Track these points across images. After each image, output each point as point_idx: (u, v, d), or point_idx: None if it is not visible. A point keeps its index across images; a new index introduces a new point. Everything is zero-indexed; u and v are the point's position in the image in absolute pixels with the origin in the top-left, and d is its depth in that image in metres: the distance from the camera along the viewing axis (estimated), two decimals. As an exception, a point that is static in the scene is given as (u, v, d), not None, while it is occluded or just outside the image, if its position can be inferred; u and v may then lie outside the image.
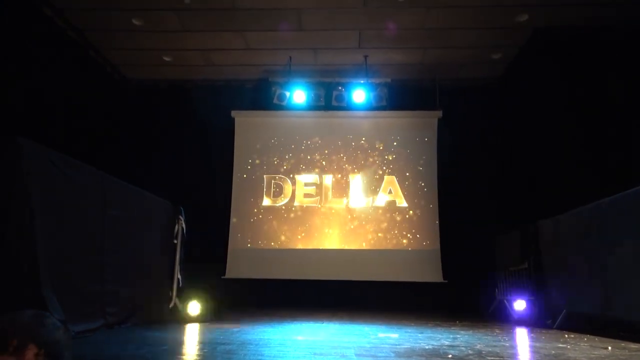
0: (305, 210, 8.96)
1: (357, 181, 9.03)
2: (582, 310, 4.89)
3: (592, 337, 4.34)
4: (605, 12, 6.79)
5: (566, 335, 4.52)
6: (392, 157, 9.09)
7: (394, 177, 9.02)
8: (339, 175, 9.07)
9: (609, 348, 3.61)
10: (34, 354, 1.30)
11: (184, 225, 6.03)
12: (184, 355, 3.19)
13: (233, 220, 8.93)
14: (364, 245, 8.76)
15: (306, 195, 9.02)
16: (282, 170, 9.14)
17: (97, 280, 4.33)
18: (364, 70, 8.48)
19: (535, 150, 7.59)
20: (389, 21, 7.27)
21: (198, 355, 3.18)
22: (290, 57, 8.34)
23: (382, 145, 9.16)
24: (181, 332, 4.57)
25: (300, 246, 8.81)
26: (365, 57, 8.27)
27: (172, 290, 5.77)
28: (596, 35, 7.07)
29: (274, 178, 9.12)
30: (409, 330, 4.81)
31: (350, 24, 7.36)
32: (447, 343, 3.84)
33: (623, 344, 3.85)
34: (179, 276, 5.95)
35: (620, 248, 4.27)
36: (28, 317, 1.33)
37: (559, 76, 7.19)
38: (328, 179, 9.06)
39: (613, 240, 4.39)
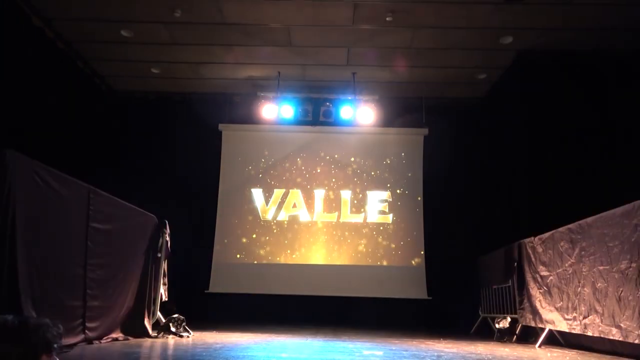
0: (290, 225, 8.93)
1: (342, 197, 9.05)
2: (564, 328, 4.93)
3: (574, 355, 4.38)
4: (587, 37, 7.00)
5: (549, 354, 4.55)
6: (378, 174, 9.15)
7: (379, 193, 9.06)
8: (324, 191, 9.08)
9: (591, 367, 3.64)
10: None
11: (168, 239, 5.96)
12: (166, 372, 3.13)
13: (217, 234, 8.86)
14: (349, 261, 8.75)
15: (292, 210, 9.00)
16: (268, 184, 9.12)
17: (79, 294, 4.24)
18: (352, 87, 8.56)
19: (519, 169, 7.71)
20: (375, 44, 7.40)
21: (180, 372, 3.13)
22: (279, 72, 8.39)
23: (368, 161, 9.21)
24: (163, 347, 4.50)
25: (284, 261, 8.77)
26: (354, 74, 8.36)
27: (154, 304, 5.68)
28: (578, 59, 7.27)
29: (260, 192, 9.09)
30: (394, 348, 4.79)
31: (339, 42, 7.45)
32: (431, 361, 3.83)
33: (604, 363, 3.89)
34: (162, 290, 5.86)
35: (600, 267, 4.34)
36: (36, 327, 1.44)
37: (541, 97, 7.35)
38: (314, 194, 9.06)
39: (594, 259, 4.46)
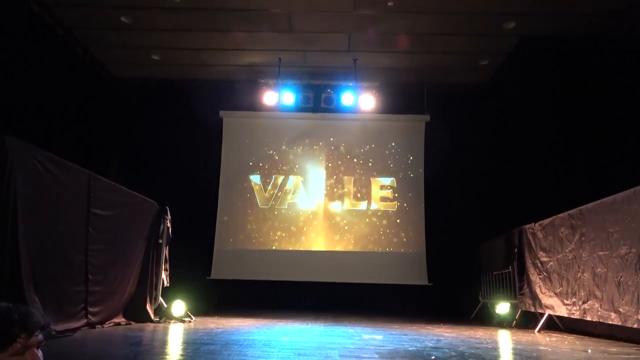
0: (292, 211, 8.95)
1: (344, 183, 9.05)
2: (564, 313, 4.96)
3: (573, 339, 4.41)
4: (591, 23, 6.91)
5: (547, 338, 4.59)
6: (380, 160, 9.13)
7: (380, 179, 9.06)
8: (325, 177, 9.08)
9: (589, 351, 3.67)
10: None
11: (169, 225, 6.00)
12: (167, 355, 3.18)
13: (219, 220, 8.89)
14: (350, 247, 8.78)
15: (293, 197, 9.01)
16: (269, 171, 9.12)
17: (81, 279, 4.29)
18: (353, 73, 8.51)
19: (521, 156, 7.68)
20: (376, 30, 7.32)
21: (181, 355, 3.17)
22: (280, 59, 8.34)
23: (369, 148, 9.19)
24: (165, 332, 4.55)
25: (285, 247, 8.80)
26: (355, 60, 8.30)
27: (156, 289, 5.74)
28: (581, 44, 7.19)
29: (261, 179, 9.10)
30: (393, 332, 4.84)
31: (340, 27, 7.38)
32: (430, 345, 3.87)
33: (602, 347, 3.92)
34: (164, 276, 5.91)
35: (600, 253, 4.35)
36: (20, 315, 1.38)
37: (544, 83, 7.30)
38: (315, 181, 9.06)
39: (594, 245, 4.47)
